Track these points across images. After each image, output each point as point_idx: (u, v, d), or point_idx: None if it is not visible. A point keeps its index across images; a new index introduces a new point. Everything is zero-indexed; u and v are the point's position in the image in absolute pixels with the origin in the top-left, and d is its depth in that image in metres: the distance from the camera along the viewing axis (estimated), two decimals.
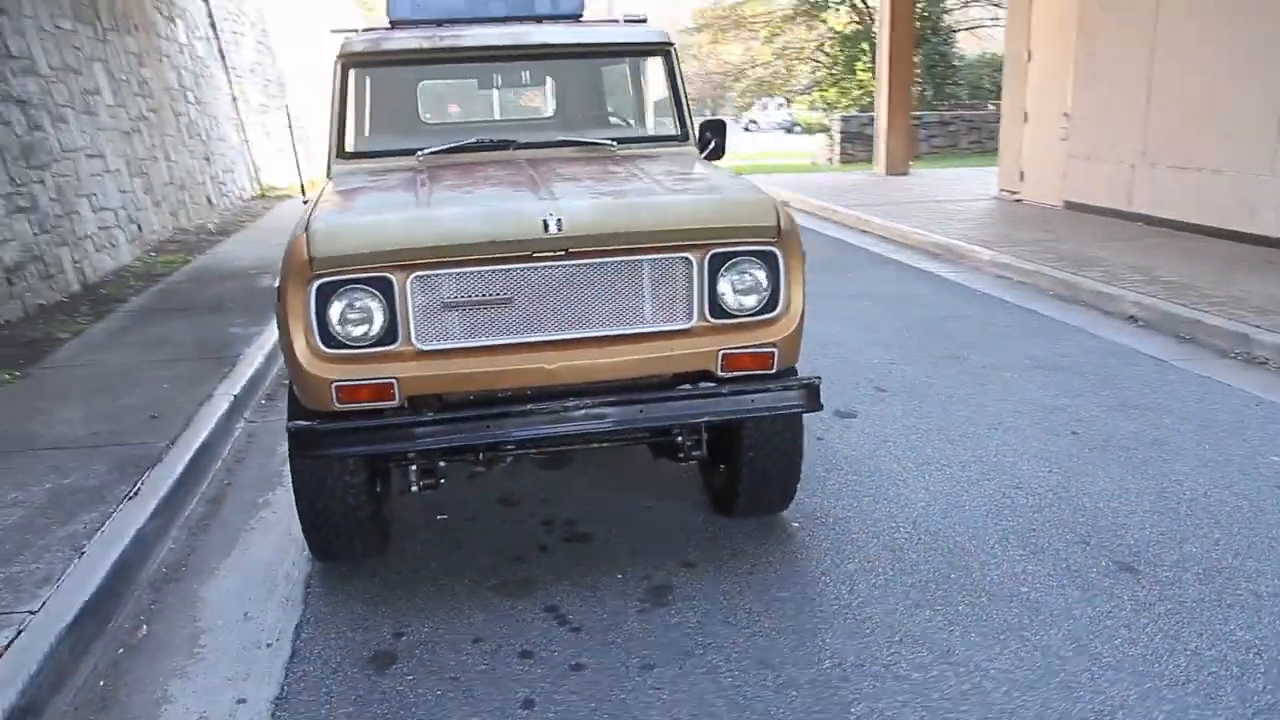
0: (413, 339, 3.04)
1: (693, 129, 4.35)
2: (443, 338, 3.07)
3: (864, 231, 11.55)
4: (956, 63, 25.41)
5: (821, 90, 29.37)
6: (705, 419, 3.25)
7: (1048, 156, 12.06)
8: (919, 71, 26.10)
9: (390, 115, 4.56)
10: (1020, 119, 12.71)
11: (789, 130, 38.53)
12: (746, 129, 58.12)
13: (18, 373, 5.66)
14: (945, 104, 24.10)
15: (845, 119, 21.36)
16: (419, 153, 4.07)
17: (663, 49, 4.38)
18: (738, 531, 3.78)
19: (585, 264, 3.06)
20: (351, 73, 4.17)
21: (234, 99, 15.19)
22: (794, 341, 3.25)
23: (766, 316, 3.21)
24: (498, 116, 4.84)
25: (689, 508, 3.99)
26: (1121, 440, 4.62)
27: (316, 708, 2.80)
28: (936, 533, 3.73)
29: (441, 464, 3.45)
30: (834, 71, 27.12)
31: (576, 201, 3.14)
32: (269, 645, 3.14)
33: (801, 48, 28.65)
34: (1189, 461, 4.35)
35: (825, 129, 22.98)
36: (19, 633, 2.95)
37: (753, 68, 30.25)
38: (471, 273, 3.02)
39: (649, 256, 3.11)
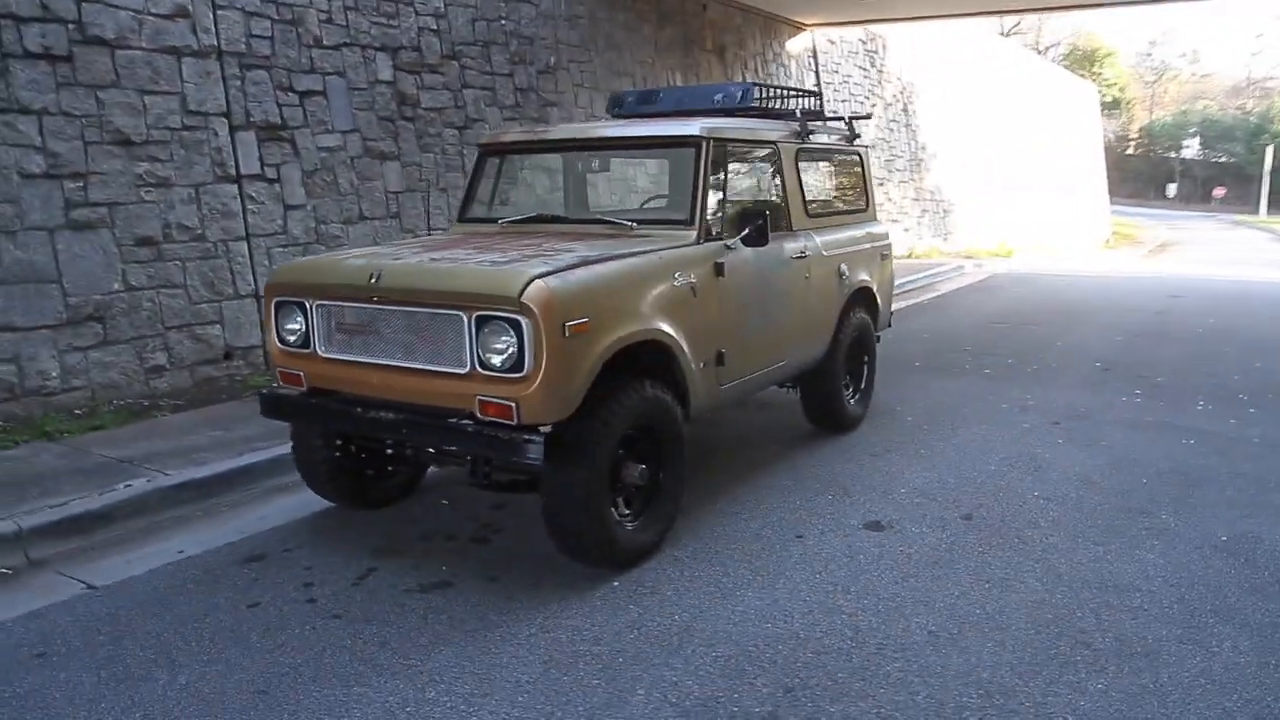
0: (318, 348, 4.35)
1: (700, 215, 4.69)
2: (334, 349, 4.31)
3: None
4: None
5: None
6: (453, 448, 3.93)
7: None
8: None
9: (501, 191, 5.68)
10: None
11: None
12: None
13: None
14: None
15: None
16: (499, 221, 5.27)
17: (693, 142, 4.81)
18: (566, 572, 4.17)
19: (401, 309, 4.02)
20: (483, 160, 5.53)
21: None
22: (537, 399, 3.71)
23: (515, 375, 3.75)
24: (607, 197, 5.71)
25: None
26: (1114, 640, 3.57)
27: (198, 567, 4.32)
28: (711, 636, 3.67)
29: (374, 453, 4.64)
30: None
31: (401, 261, 4.11)
32: (241, 532, 4.74)
33: None
34: (1141, 678, 3.28)
35: None
36: (147, 481, 5.05)
37: None
38: (342, 306, 4.22)
39: (439, 310, 3.92)
